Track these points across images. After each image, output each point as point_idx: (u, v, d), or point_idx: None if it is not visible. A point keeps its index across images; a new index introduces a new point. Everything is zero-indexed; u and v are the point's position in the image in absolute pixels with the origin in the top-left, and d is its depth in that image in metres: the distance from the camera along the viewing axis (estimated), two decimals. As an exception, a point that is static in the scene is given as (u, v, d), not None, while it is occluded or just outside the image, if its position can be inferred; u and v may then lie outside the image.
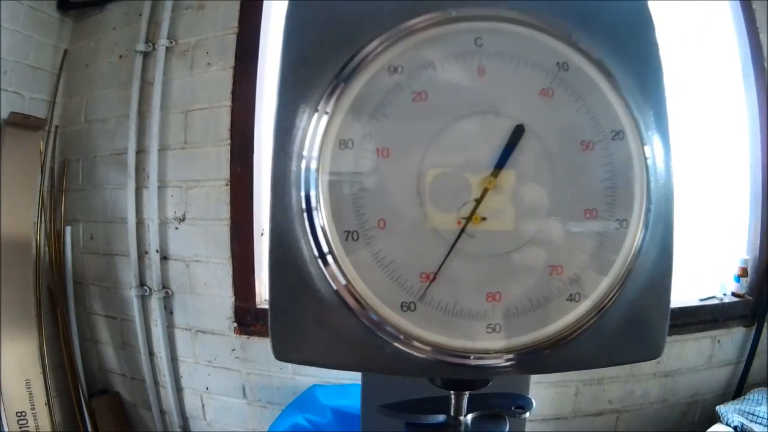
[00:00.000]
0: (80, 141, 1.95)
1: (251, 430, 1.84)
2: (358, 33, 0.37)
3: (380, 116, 0.36)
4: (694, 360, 1.76)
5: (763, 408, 1.52)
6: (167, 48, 1.79)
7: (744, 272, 1.77)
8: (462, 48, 0.37)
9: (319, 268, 0.37)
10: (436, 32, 0.37)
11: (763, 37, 1.73)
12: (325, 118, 0.36)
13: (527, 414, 0.49)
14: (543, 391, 1.71)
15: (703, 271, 1.81)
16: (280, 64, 0.38)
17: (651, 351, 0.42)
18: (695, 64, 1.76)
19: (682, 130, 1.67)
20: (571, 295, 0.38)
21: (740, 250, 1.82)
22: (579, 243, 0.38)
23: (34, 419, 1.65)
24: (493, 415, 0.49)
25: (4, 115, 1.69)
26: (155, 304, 1.83)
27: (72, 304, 1.93)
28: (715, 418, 1.55)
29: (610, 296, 0.38)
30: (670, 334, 0.42)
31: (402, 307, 0.37)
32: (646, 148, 0.39)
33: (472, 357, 0.37)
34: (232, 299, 1.76)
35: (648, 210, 0.38)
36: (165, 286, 1.84)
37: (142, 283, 1.85)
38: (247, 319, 1.76)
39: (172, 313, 1.85)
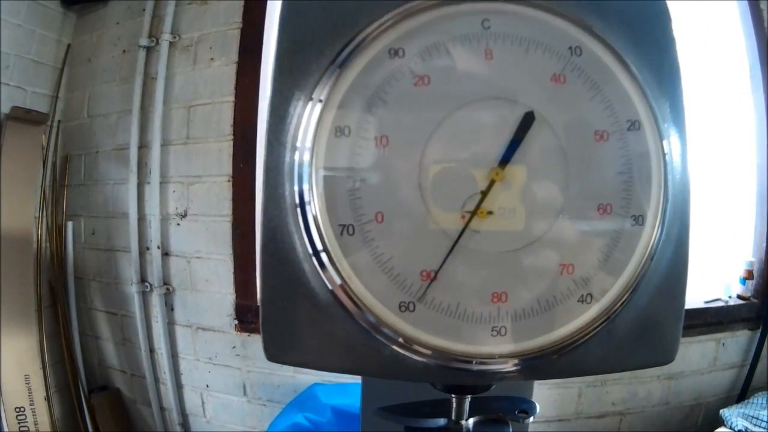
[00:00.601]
0: (82, 136, 1.95)
1: (251, 428, 1.83)
2: (357, 13, 0.35)
3: (379, 102, 0.34)
4: (698, 362, 1.75)
5: (766, 412, 1.50)
6: (170, 43, 1.78)
7: (749, 275, 1.76)
8: (468, 30, 0.34)
9: (313, 264, 0.35)
10: (440, 13, 0.34)
11: (770, 37, 1.71)
12: (320, 104, 0.34)
13: (531, 419, 0.47)
14: (546, 393, 1.70)
15: (708, 273, 1.79)
16: (275, 49, 0.36)
17: (664, 356, 0.40)
18: (702, 64, 1.75)
19: (689, 130, 1.64)
20: (582, 296, 0.35)
21: (746, 253, 1.81)
22: (591, 240, 0.36)
23: (33, 415, 1.64)
24: (495, 419, 0.47)
25: (6, 109, 1.69)
26: (156, 301, 1.82)
27: (72, 300, 1.92)
28: (719, 422, 1.54)
29: (624, 298, 0.36)
30: (674, 336, 0.40)
31: (400, 307, 0.34)
32: (664, 141, 0.36)
33: (474, 362, 0.35)
34: (233, 296, 1.75)
35: (665, 206, 0.36)
36: (166, 282, 1.83)
37: (143, 279, 1.84)
38: (248, 316, 1.75)
39: (172, 309, 1.84)
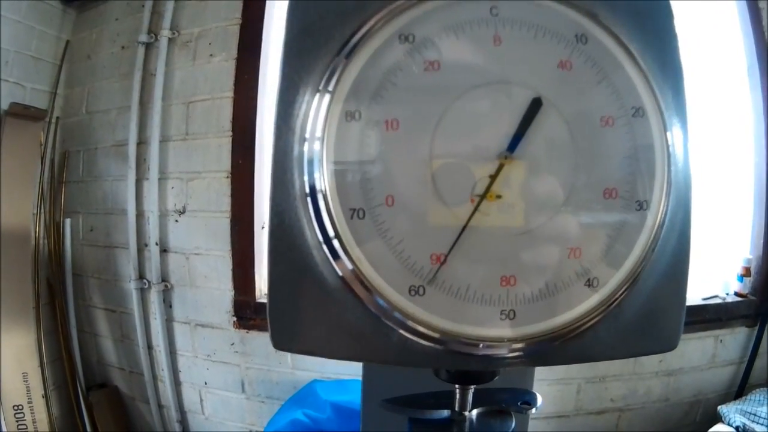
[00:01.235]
0: (81, 132, 1.94)
1: (250, 425, 1.83)
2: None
3: (389, 86, 0.34)
4: (696, 359, 1.75)
5: (764, 408, 1.51)
6: (170, 39, 1.78)
7: (747, 272, 1.76)
8: (477, 15, 0.35)
9: (322, 249, 0.35)
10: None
11: (769, 36, 1.72)
12: (330, 90, 0.34)
13: (534, 410, 0.47)
14: (545, 389, 1.70)
15: (706, 270, 1.80)
16: (284, 35, 0.36)
17: (667, 342, 0.41)
18: (701, 63, 1.75)
19: (690, 120, 1.65)
20: (589, 280, 0.36)
21: (744, 250, 1.81)
22: (597, 224, 0.36)
23: (31, 413, 1.64)
24: (498, 410, 0.47)
25: (5, 105, 1.68)
26: (154, 297, 1.81)
27: (71, 297, 1.91)
28: (717, 418, 1.54)
29: (629, 283, 0.36)
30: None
31: (410, 291, 0.35)
32: (667, 129, 0.37)
33: (481, 345, 0.35)
34: (232, 293, 1.75)
35: (669, 192, 0.36)
36: (164, 279, 1.82)
37: (141, 276, 1.84)
38: (247, 313, 1.74)
39: (171, 306, 1.84)
